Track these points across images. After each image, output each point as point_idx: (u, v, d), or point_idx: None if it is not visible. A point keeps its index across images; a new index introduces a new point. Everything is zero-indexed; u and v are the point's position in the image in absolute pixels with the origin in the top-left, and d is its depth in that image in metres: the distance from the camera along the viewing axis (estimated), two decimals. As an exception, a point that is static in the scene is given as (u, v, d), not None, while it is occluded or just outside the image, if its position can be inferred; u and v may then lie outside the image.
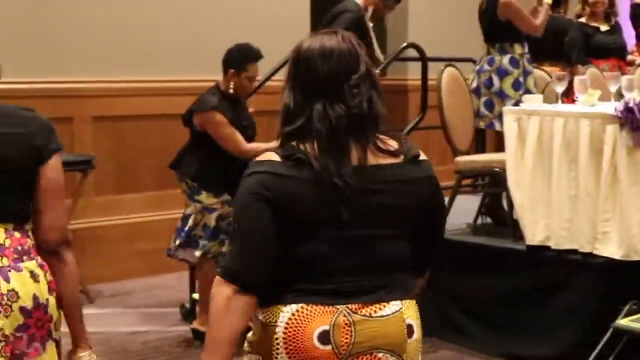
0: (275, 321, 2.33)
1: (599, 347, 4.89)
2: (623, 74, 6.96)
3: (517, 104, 6.11)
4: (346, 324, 2.30)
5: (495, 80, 6.26)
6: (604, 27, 7.33)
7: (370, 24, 6.47)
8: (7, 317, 2.59)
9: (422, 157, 2.47)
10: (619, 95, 5.51)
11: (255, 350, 2.41)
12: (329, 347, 2.30)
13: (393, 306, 2.36)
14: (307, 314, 2.31)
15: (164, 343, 5.59)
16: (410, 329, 2.39)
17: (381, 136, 2.43)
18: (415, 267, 2.50)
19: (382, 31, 6.72)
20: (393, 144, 2.43)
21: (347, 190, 2.31)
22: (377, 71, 5.90)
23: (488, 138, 6.80)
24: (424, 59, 6.33)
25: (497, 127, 6.22)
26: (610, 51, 7.26)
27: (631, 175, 5.07)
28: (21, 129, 2.69)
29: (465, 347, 5.69)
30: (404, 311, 2.38)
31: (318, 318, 2.30)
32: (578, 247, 5.24)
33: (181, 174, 5.53)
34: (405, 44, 6.12)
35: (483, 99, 6.28)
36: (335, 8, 6.56)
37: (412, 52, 6.98)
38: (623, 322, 4.95)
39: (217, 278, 2.35)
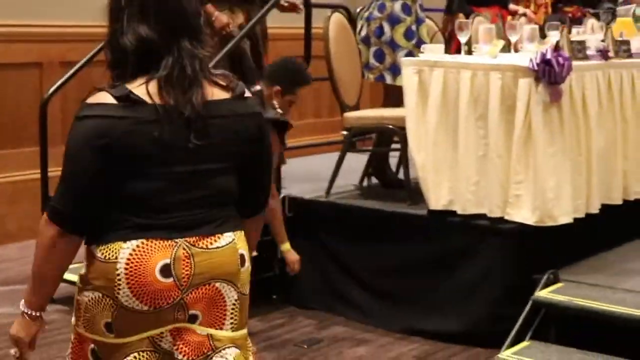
0: (116, 257, 2.36)
1: (520, 321, 4.49)
2: (504, 23, 6.65)
3: (409, 54, 5.70)
4: (186, 256, 2.38)
5: (387, 29, 5.76)
6: None
7: None
8: None
9: (248, 93, 2.53)
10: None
11: (93, 287, 2.41)
12: (170, 280, 2.37)
13: (227, 237, 2.46)
14: (147, 249, 2.36)
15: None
16: (242, 259, 2.50)
17: (213, 71, 2.50)
18: (247, 204, 2.58)
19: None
20: (223, 81, 2.49)
21: (197, 119, 2.38)
22: None
23: (374, 91, 6.28)
24: (308, 5, 5.72)
25: (388, 80, 5.80)
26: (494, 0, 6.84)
27: (546, 135, 4.73)
28: None
29: (360, 322, 5.25)
30: (236, 242, 2.48)
31: (159, 252, 2.37)
32: (487, 212, 4.89)
33: None
34: None
35: (373, 49, 5.79)
36: None
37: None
38: (542, 294, 4.61)
39: (44, 217, 2.39)
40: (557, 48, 4.72)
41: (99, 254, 2.38)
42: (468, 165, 4.90)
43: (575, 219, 4.85)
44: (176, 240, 2.38)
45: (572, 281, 4.74)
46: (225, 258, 2.45)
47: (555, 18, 7.06)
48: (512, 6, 7.00)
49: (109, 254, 2.37)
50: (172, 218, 2.39)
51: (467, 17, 6.61)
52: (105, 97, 2.35)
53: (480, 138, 4.86)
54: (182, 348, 2.42)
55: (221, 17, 5.43)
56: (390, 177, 5.90)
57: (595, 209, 5.08)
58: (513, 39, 5.31)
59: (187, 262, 2.38)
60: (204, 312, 2.43)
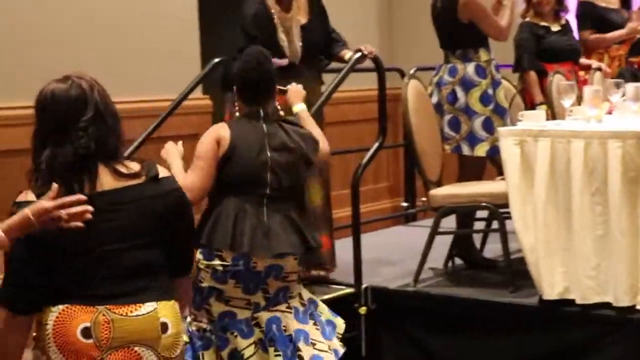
0: (47, 320, 2.77)
1: None
2: (577, 79, 6.18)
3: (487, 121, 5.22)
4: (105, 321, 2.75)
5: (460, 94, 5.24)
6: (555, 27, 6.41)
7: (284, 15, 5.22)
8: None
9: (162, 175, 2.91)
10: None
11: (34, 346, 2.88)
12: (90, 341, 2.75)
13: (148, 307, 2.80)
14: (70, 313, 2.76)
15: None
16: (164, 326, 2.82)
17: (126, 162, 2.88)
18: (174, 269, 2.94)
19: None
20: (135, 167, 2.87)
21: (105, 208, 2.78)
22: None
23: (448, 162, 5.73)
24: (380, 71, 5.15)
25: (465, 150, 5.29)
26: (565, 54, 6.39)
27: None
28: None
29: None
30: (158, 311, 2.81)
31: (80, 316, 2.76)
32: (612, 301, 4.42)
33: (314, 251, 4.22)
34: (359, 54, 4.92)
35: (447, 117, 5.26)
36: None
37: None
38: None
39: None
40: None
41: (38, 319, 2.83)
42: (585, 247, 4.45)
43: None
44: (97, 307, 2.76)
45: None
46: (146, 325, 2.79)
47: (627, 71, 6.60)
48: (583, 60, 6.51)
49: (43, 317, 2.80)
50: (94, 289, 2.77)
51: (538, 74, 6.22)
52: (29, 196, 2.78)
53: (598, 215, 4.40)
54: None
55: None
56: (476, 257, 5.38)
57: None
58: (614, 99, 4.79)
59: (107, 327, 2.75)
60: None
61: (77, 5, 6.13)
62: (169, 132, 5.25)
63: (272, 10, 4.95)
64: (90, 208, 2.67)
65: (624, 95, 4.83)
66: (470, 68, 5.24)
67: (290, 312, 4.03)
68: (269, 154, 3.87)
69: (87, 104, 2.83)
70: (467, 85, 5.24)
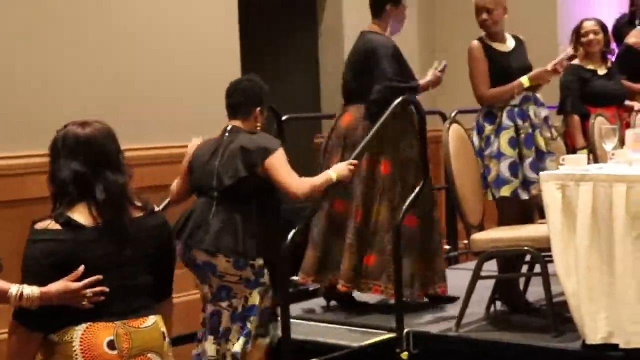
0: (72, 338, 3.20)
1: None
2: (621, 122, 6.19)
3: (513, 164, 5.27)
4: (125, 334, 3.24)
5: (493, 138, 5.32)
6: (601, 71, 6.41)
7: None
8: None
9: (157, 209, 3.43)
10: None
11: None
12: (115, 352, 3.23)
13: (151, 319, 3.32)
14: (94, 330, 3.21)
15: None
16: (163, 335, 3.37)
17: (130, 195, 3.35)
18: (161, 292, 3.42)
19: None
20: (139, 202, 3.36)
21: (127, 236, 3.27)
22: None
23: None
24: (421, 114, 5.18)
25: (489, 197, 5.37)
26: (610, 98, 6.39)
27: None
28: None
29: None
30: (157, 322, 3.34)
31: (103, 331, 3.22)
32: None
33: (248, 258, 4.48)
34: (402, 98, 4.98)
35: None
36: (362, 45, 5.51)
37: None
38: None
39: (12, 321, 3.22)
40: None
41: (56, 339, 3.21)
42: (629, 291, 4.44)
43: None
44: (115, 322, 3.23)
45: None
46: (152, 334, 3.32)
47: None
48: (626, 102, 6.46)
49: (65, 337, 3.21)
50: (111, 307, 3.23)
51: (582, 117, 6.24)
52: (51, 224, 3.20)
53: None
54: None
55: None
56: (519, 301, 5.37)
57: None
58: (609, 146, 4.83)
59: (127, 338, 3.24)
60: None
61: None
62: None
63: None
64: (105, 289, 3.20)
65: (666, 138, 4.83)
66: (505, 114, 5.33)
67: (228, 311, 4.58)
68: (216, 162, 4.52)
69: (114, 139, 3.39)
70: (500, 128, 5.33)
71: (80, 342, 3.20)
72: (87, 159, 3.24)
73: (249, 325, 4.50)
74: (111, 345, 3.22)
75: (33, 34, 6.09)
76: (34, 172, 5.78)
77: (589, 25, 6.39)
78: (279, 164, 4.43)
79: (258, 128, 4.63)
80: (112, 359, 3.21)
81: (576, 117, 6.24)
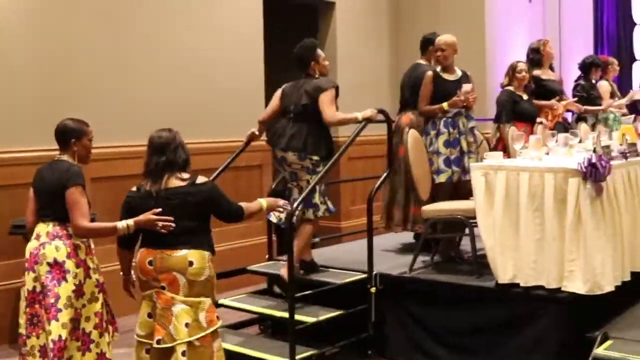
0: (136, 255, 4.89)
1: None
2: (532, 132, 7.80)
3: (447, 159, 6.99)
4: (160, 258, 4.78)
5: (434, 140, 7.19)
6: (525, 96, 8.21)
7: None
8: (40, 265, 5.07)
9: (199, 180, 4.92)
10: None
11: (134, 268, 5.12)
12: (152, 267, 4.82)
13: (183, 252, 4.78)
14: (145, 253, 4.86)
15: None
16: (190, 263, 4.79)
17: (182, 173, 4.92)
18: (228, 220, 5.09)
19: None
20: (186, 177, 4.89)
21: (156, 197, 4.84)
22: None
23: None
24: (388, 122, 6.98)
25: (437, 180, 7.09)
26: (529, 117, 8.14)
27: (593, 221, 5.63)
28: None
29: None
30: (188, 254, 4.77)
31: (148, 255, 4.83)
32: (545, 284, 5.75)
33: (307, 153, 6.40)
34: (377, 109, 6.66)
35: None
36: (414, 72, 7.61)
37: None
38: (600, 351, 5.36)
39: (117, 246, 5.12)
40: (597, 153, 5.85)
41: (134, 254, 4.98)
42: (528, 247, 5.81)
43: (615, 286, 5.72)
44: (155, 250, 4.81)
45: (619, 338, 5.52)
46: (179, 261, 4.77)
47: (560, 126, 8.39)
48: (539, 120, 8.21)
49: (135, 255, 4.92)
50: (155, 241, 4.80)
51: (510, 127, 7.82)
52: (133, 189, 4.96)
53: (537, 225, 5.79)
54: (159, 300, 4.81)
55: None
56: (457, 253, 7.05)
57: (627, 277, 5.97)
58: (550, 144, 6.49)
59: (161, 260, 4.78)
60: (168, 285, 4.81)
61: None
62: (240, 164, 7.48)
63: None
64: (170, 218, 4.82)
65: (557, 141, 6.42)
66: (442, 122, 7.15)
67: (297, 188, 6.60)
68: (293, 96, 6.61)
69: (175, 140, 4.97)
70: (439, 134, 7.18)
71: (138, 259, 4.89)
72: (153, 152, 4.93)
73: (313, 200, 6.40)
74: (150, 263, 4.83)
75: (123, 65, 8.03)
76: (122, 158, 7.47)
77: (521, 65, 8.21)
78: (326, 98, 6.31)
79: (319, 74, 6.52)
80: (150, 271, 4.82)
81: (507, 127, 7.82)
